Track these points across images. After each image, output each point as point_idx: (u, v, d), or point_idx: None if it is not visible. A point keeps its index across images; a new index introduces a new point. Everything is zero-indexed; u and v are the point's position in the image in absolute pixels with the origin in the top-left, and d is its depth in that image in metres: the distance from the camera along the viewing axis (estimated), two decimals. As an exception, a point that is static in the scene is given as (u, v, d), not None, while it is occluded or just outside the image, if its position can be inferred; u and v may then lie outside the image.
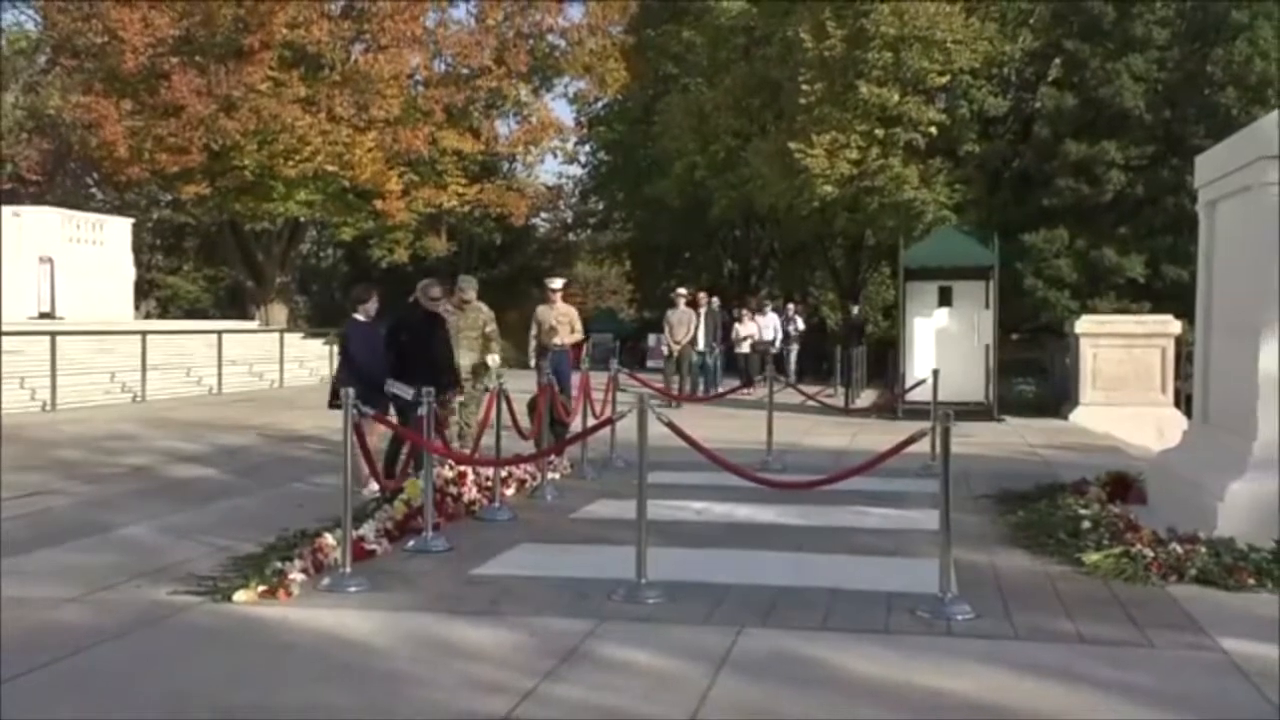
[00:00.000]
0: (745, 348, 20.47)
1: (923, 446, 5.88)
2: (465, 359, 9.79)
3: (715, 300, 21.53)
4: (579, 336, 12.75)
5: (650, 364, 24.69)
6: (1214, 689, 4.22)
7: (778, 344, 21.28)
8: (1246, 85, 21.42)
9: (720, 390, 18.19)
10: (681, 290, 19.37)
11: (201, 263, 38.60)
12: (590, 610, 5.18)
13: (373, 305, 8.72)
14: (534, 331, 12.56)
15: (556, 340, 12.20)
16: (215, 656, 4.56)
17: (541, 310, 12.65)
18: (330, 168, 27.28)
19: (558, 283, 13.02)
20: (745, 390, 16.99)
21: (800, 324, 23.97)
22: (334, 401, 8.18)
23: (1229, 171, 7.21)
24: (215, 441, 12.07)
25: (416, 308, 8.91)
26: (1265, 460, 6.36)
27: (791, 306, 24.84)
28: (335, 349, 24.17)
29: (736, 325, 20.85)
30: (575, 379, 11.01)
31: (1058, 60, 23.84)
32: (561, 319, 12.33)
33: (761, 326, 20.99)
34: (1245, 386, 6.65)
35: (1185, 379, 14.20)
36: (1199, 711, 3.96)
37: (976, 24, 24.37)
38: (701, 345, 18.94)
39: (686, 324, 18.08)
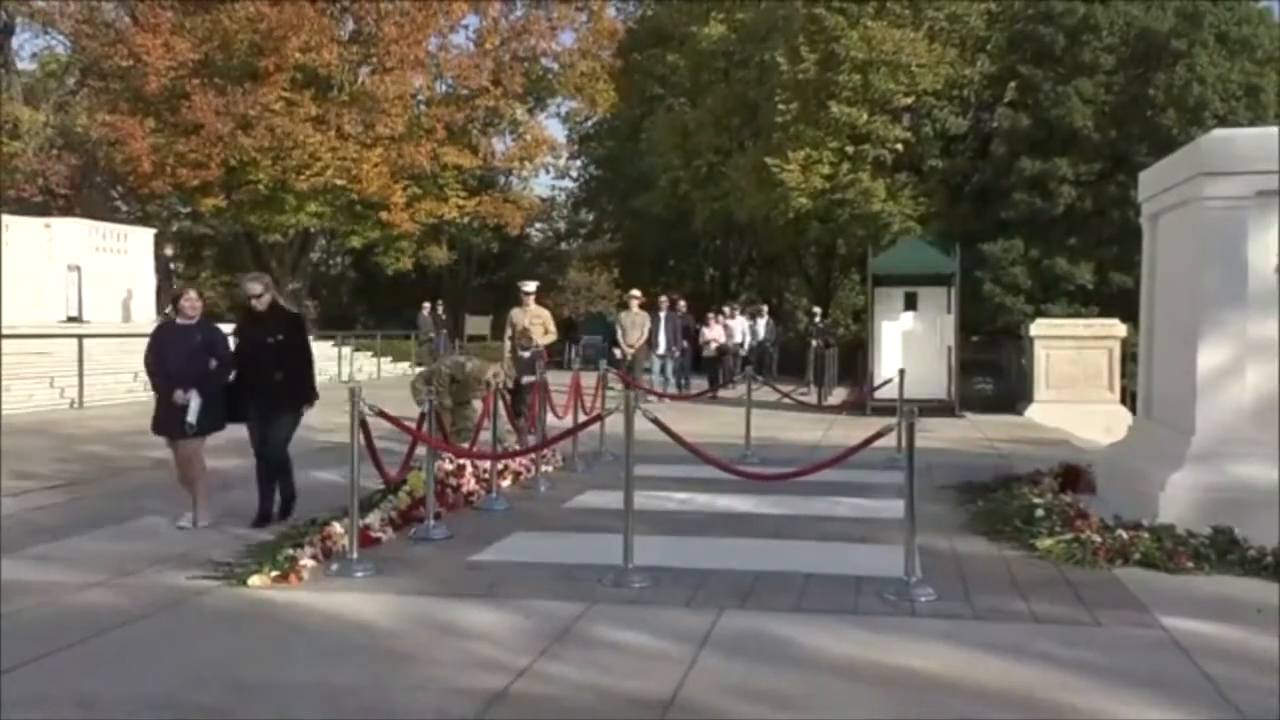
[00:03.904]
0: (711, 350, 20.24)
1: (890, 441, 5.87)
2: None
3: (682, 304, 21.18)
4: (552, 337, 12.39)
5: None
6: (1155, 664, 4.24)
7: (746, 346, 21.04)
8: (1185, 107, 21.56)
9: (685, 393, 17.25)
10: (635, 292, 18.08)
11: (219, 270, 38.43)
12: (581, 594, 5.17)
13: (187, 304, 6.95)
14: (509, 333, 12.23)
15: (525, 339, 11.93)
16: (230, 637, 4.54)
17: (515, 312, 12.25)
18: (339, 181, 27.18)
19: (530, 285, 12.68)
20: (711, 394, 16.10)
21: (760, 327, 22.69)
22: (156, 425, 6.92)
23: (1169, 187, 7.25)
24: (229, 436, 11.97)
25: (248, 310, 7.13)
26: (1202, 453, 6.40)
27: (737, 310, 23.46)
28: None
29: (703, 329, 20.52)
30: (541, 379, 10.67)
31: (1013, 83, 23.95)
32: (535, 320, 11.97)
33: (730, 330, 20.86)
34: (1184, 385, 6.68)
35: (1130, 378, 14.27)
36: (1142, 684, 3.97)
37: (939, 49, 24.48)
38: (662, 349, 17.99)
39: (640, 327, 16.97)
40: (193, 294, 7.11)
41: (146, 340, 7.04)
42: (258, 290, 6.99)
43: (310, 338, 7.34)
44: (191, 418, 6.67)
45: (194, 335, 6.85)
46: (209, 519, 6.80)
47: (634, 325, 16.88)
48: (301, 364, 7.02)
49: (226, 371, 6.89)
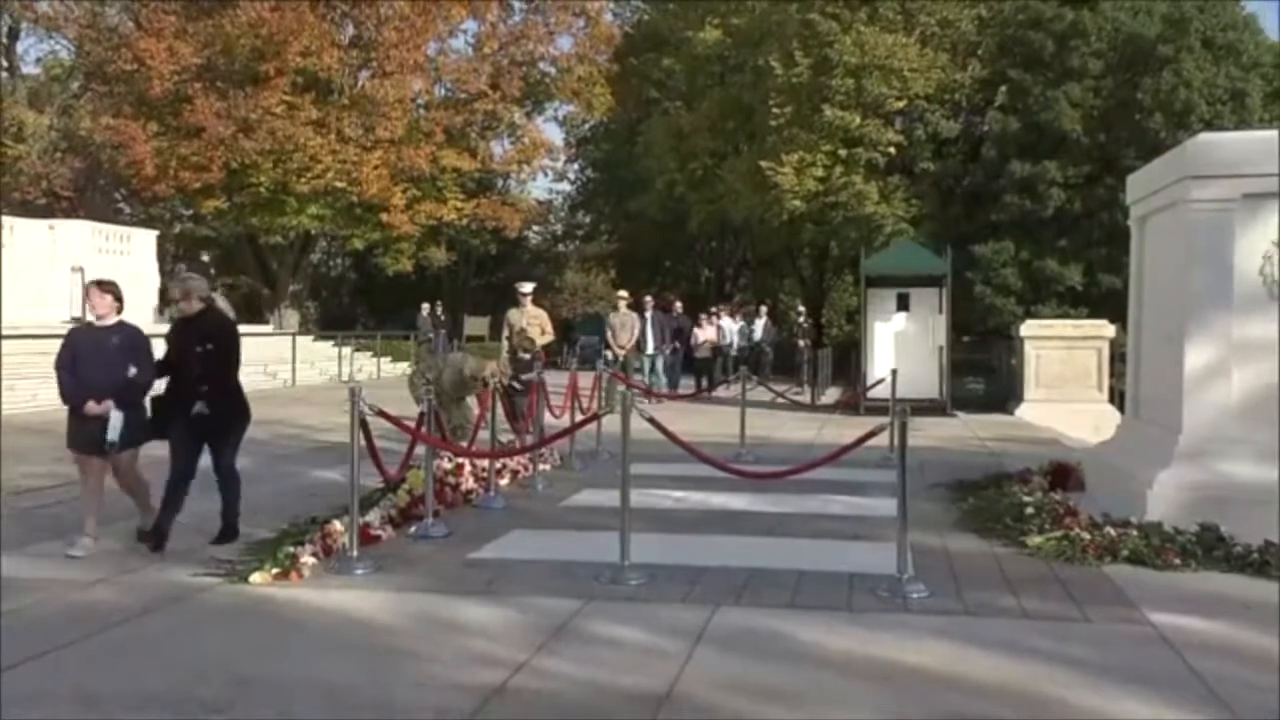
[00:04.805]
0: (705, 351, 20.16)
1: (882, 440, 5.87)
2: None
3: (678, 305, 21.05)
4: (549, 338, 12.29)
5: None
6: (1143, 659, 4.25)
7: (736, 347, 20.95)
8: (1172, 111, 21.63)
9: (678, 392, 16.95)
10: (622, 293, 17.82)
11: (220, 272, 38.35)
12: (578, 590, 5.17)
13: (101, 303, 5.97)
14: (506, 333, 12.09)
15: (528, 340, 11.89)
16: (232, 633, 4.54)
17: (513, 313, 12.16)
18: (339, 184, 27.15)
19: (527, 286, 12.61)
20: (704, 393, 15.89)
21: (758, 328, 22.29)
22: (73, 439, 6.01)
23: (1157, 190, 7.27)
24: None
25: (181, 314, 6.41)
26: (1189, 451, 6.41)
27: (724, 311, 23.09)
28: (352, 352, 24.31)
29: (695, 329, 20.42)
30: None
31: (1003, 87, 24.00)
32: (532, 321, 11.86)
33: (723, 330, 20.80)
34: (1172, 385, 6.69)
35: (1118, 378, 14.29)
36: (1130, 679, 3.98)
37: (930, 54, 24.53)
38: (650, 348, 17.75)
39: (629, 328, 16.56)
40: (95, 290, 6.00)
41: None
42: (174, 294, 6.11)
43: (240, 348, 6.45)
44: (113, 435, 5.78)
45: (110, 338, 5.92)
46: (91, 548, 5.91)
47: (623, 326, 16.62)
48: (227, 377, 6.22)
49: (148, 381, 6.02)
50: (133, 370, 5.92)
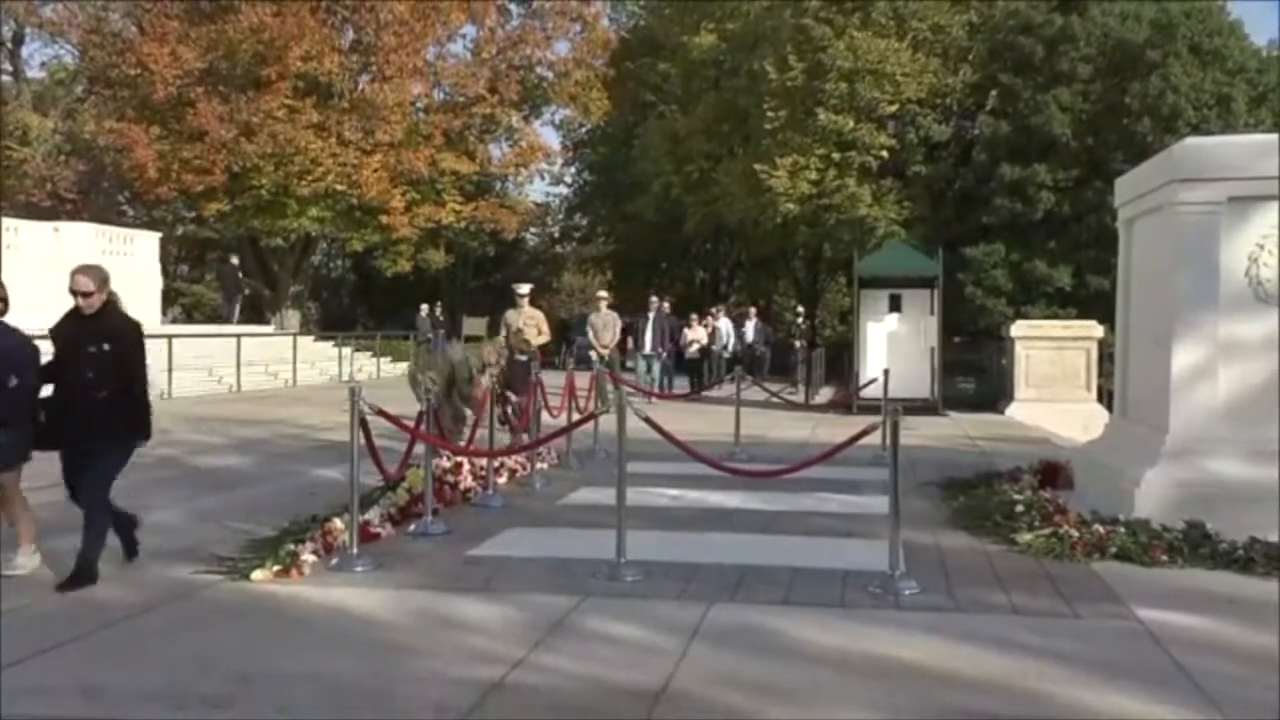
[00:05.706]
0: (694, 351, 20.14)
1: (875, 439, 5.87)
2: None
3: (665, 305, 21.00)
4: (546, 338, 12.25)
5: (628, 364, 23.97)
6: (1131, 654, 4.26)
7: (729, 348, 20.90)
8: (1159, 116, 21.68)
9: (667, 392, 16.81)
10: (602, 293, 17.39)
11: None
12: (575, 587, 5.17)
13: None
14: (503, 334, 12.18)
15: (524, 341, 11.85)
16: (234, 629, 4.53)
17: (510, 314, 12.19)
18: (340, 187, 27.13)
19: (524, 288, 12.64)
20: (696, 394, 15.69)
21: (749, 330, 22.10)
22: None
23: (1144, 193, 7.28)
24: (235, 435, 11.99)
25: (75, 309, 5.50)
26: (1176, 450, 6.42)
27: (721, 311, 22.92)
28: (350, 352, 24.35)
29: (685, 330, 20.37)
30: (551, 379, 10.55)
31: (994, 92, 24.03)
32: (529, 321, 11.87)
33: (719, 332, 20.78)
34: (1159, 385, 6.70)
35: (1107, 377, 14.31)
36: (1118, 674, 3.98)
37: (922, 59, 24.57)
38: (648, 348, 17.66)
39: (611, 327, 15.92)
40: None
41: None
42: (89, 287, 5.30)
43: (147, 355, 5.54)
44: None
45: None
46: (28, 565, 5.36)
47: (605, 326, 16.12)
48: (130, 384, 5.29)
49: (31, 391, 5.27)
50: (13, 380, 5.15)
